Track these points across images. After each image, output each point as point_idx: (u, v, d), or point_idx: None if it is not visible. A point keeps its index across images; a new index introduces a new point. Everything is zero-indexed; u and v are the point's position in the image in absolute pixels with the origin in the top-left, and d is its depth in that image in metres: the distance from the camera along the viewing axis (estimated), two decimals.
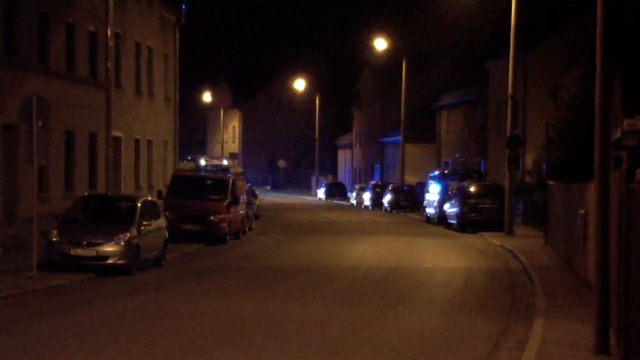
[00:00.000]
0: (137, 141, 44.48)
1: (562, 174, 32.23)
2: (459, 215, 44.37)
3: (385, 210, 66.88)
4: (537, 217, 40.83)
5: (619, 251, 14.31)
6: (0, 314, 18.70)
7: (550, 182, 34.51)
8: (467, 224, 43.82)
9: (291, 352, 15.02)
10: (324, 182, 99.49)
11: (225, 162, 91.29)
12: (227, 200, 37.09)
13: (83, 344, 15.45)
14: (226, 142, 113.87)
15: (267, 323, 17.98)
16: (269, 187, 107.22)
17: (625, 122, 12.48)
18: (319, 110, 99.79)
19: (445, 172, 54.75)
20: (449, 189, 48.08)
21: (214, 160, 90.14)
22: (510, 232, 39.38)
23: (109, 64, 34.58)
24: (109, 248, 25.18)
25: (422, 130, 78.18)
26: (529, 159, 50.03)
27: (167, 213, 32.56)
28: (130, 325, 17.55)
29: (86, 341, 15.77)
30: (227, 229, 36.73)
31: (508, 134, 40.87)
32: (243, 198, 40.34)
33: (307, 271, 27.96)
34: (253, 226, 44.51)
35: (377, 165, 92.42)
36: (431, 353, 15.30)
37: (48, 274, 23.91)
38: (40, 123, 23.90)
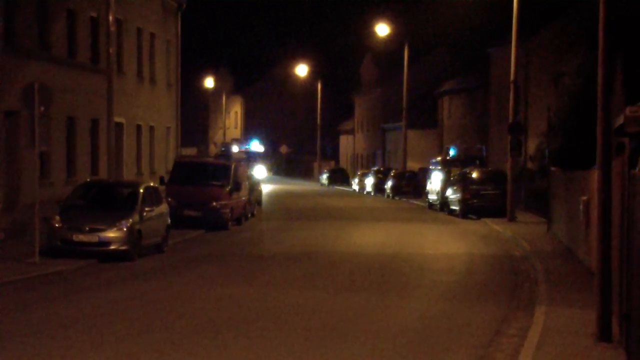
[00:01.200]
0: (138, 127, 44.44)
1: (564, 161, 32.20)
2: (461, 202, 44.36)
3: (387, 196, 66.89)
4: (539, 203, 40.82)
5: (621, 238, 14.28)
6: (2, 299, 18.71)
7: (552, 169, 34.47)
8: (469, 210, 43.82)
9: (291, 338, 15.01)
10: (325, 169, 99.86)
11: (256, 148, 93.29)
12: (229, 187, 37.07)
13: (84, 330, 15.46)
14: (228, 128, 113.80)
15: (267, 309, 17.99)
16: (270, 173, 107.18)
17: (628, 108, 12.43)
18: (320, 96, 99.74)
19: (447, 158, 54.70)
20: (451, 175, 48.05)
21: (242, 147, 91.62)
22: (512, 219, 39.37)
23: (110, 50, 34.49)
24: (111, 234, 25.19)
25: (424, 116, 78.17)
26: (531, 145, 50.04)
27: (168, 199, 32.54)
28: (132, 312, 17.56)
29: (87, 327, 15.77)
30: (229, 215, 36.72)
31: (510, 120, 40.84)
32: (245, 184, 40.32)
33: (308, 257, 27.95)
34: (255, 212, 44.49)
35: (379, 151, 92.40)
36: (432, 340, 15.29)
37: (50, 260, 23.93)
38: (42, 109, 23.88)
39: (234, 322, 16.48)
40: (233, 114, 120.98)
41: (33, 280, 21.41)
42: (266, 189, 72.93)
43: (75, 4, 36.54)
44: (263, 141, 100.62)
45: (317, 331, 15.68)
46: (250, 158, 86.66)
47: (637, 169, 12.44)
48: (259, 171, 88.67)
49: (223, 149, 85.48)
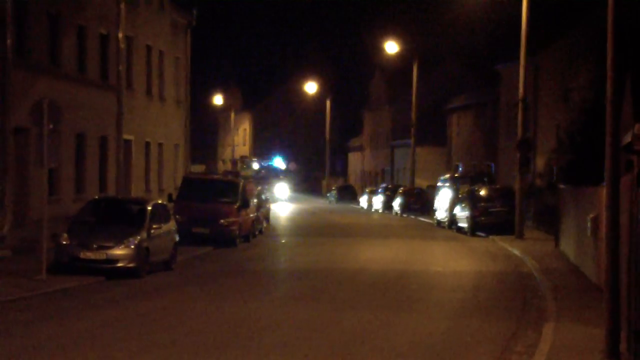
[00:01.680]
0: (147, 144, 44.52)
1: (573, 177, 32.14)
2: (469, 219, 44.27)
3: (396, 213, 66.83)
4: (547, 220, 40.72)
5: (629, 255, 14.22)
6: (9, 316, 18.69)
7: (561, 186, 34.41)
8: (477, 227, 43.73)
9: (299, 355, 14.96)
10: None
11: (278, 164, 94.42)
12: (237, 204, 37.04)
13: (91, 348, 15.42)
14: (237, 145, 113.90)
15: (275, 326, 17.95)
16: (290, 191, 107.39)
17: (637, 125, 12.39)
18: (329, 113, 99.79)
19: (456, 175, 54.63)
20: (459, 192, 47.98)
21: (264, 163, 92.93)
22: (521, 236, 39.27)
23: (120, 67, 34.58)
24: (118, 251, 25.15)
25: (432, 133, 78.16)
26: (539, 162, 49.99)
27: (177, 216, 32.50)
28: (138, 329, 17.51)
29: (94, 344, 15.73)
30: (237, 231, 36.69)
31: (519, 137, 40.76)
32: (253, 201, 40.31)
33: (315, 274, 27.91)
34: (263, 229, 44.46)
35: (388, 168, 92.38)
36: (440, 357, 15.23)
37: (58, 277, 23.89)
38: (51, 126, 23.89)
39: (241, 340, 16.43)
40: (242, 131, 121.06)
41: (40, 298, 21.36)
42: (286, 208, 74.78)
43: (86, 21, 36.67)
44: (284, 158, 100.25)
45: (325, 348, 15.63)
46: (273, 175, 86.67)
47: None
48: (281, 189, 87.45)
49: (245, 165, 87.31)
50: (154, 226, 26.73)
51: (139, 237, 25.59)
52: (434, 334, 17.43)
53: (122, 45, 34.69)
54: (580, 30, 48.27)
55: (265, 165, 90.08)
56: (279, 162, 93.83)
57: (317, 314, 19.74)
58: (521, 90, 40.60)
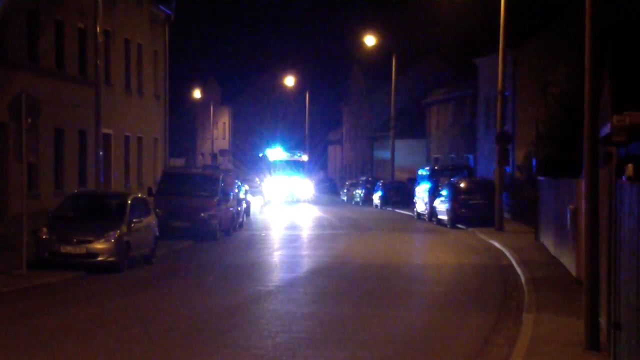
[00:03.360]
0: (127, 138, 44.42)
1: (552, 170, 32.25)
2: (449, 211, 44.37)
3: (376, 206, 66.91)
4: (526, 212, 40.86)
5: (608, 247, 14.30)
6: None
7: (540, 178, 34.52)
8: (457, 219, 43.83)
9: (282, 346, 14.99)
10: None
11: (300, 155, 76.99)
12: (217, 197, 37.02)
13: (71, 343, 15.42)
14: (216, 139, 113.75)
15: (252, 318, 17.98)
16: (258, 181, 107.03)
17: (615, 117, 12.45)
18: (308, 107, 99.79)
19: (435, 168, 54.73)
20: (439, 185, 48.08)
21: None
22: (501, 228, 39.38)
23: (98, 62, 34.48)
24: (99, 245, 25.11)
25: (412, 126, 78.26)
26: (518, 155, 50.10)
27: (157, 210, 32.44)
28: (119, 324, 17.51)
29: (75, 340, 15.73)
30: (217, 225, 36.65)
31: (497, 130, 40.88)
32: (233, 195, 40.27)
33: (293, 267, 27.96)
34: (243, 222, 44.41)
35: (367, 161, 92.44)
36: (422, 349, 15.29)
37: (38, 272, 23.84)
38: (29, 120, 23.83)
39: (221, 330, 16.45)
40: (221, 124, 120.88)
41: (20, 293, 21.32)
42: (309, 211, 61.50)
43: (64, 15, 36.53)
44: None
45: (304, 338, 15.66)
46: (294, 169, 73.73)
47: (624, 177, 12.46)
48: (306, 187, 73.70)
49: (260, 154, 78.81)
50: (134, 220, 26.70)
51: (119, 231, 25.55)
52: (415, 326, 17.49)
53: (100, 40, 34.61)
54: (558, 25, 48.44)
55: (292, 154, 75.69)
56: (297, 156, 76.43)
57: (292, 307, 19.74)
58: (500, 83, 40.71)
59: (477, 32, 62.56)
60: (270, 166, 73.31)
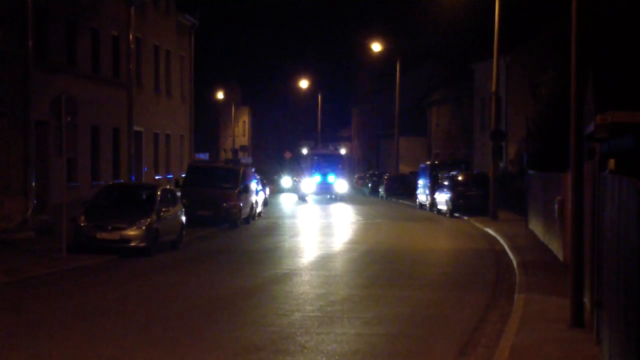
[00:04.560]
0: (156, 135, 44.52)
1: (541, 164, 32.25)
2: (448, 202, 44.37)
3: (382, 197, 66.87)
4: (519, 203, 40.83)
5: (592, 233, 14.32)
6: (32, 291, 18.76)
7: (530, 171, 34.50)
8: (455, 209, 43.83)
9: (296, 323, 15.02)
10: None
11: (335, 149, 65.80)
12: (238, 189, 37.08)
13: (106, 319, 15.50)
14: (237, 136, 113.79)
15: (273, 298, 18.02)
16: (276, 177, 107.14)
17: (598, 116, 12.46)
18: (320, 106, 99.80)
19: (436, 162, 54.69)
20: (439, 178, 48.07)
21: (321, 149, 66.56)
22: (495, 217, 39.35)
23: (130, 66, 34.61)
24: (131, 232, 25.19)
25: (414, 124, 78.22)
26: (511, 150, 50.08)
27: (183, 200, 32.53)
28: (150, 302, 17.60)
29: (109, 316, 15.82)
30: (238, 214, 36.73)
31: (492, 128, 40.85)
32: (252, 187, 40.31)
33: (307, 252, 27.98)
34: (262, 212, 44.45)
35: (374, 156, 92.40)
36: (424, 325, 15.31)
37: (76, 256, 23.95)
38: (68, 119, 23.92)
39: (241, 309, 16.51)
40: (241, 123, 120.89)
41: (61, 274, 21.43)
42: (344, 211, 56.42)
43: (99, 23, 36.62)
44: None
45: (315, 318, 15.68)
46: (330, 164, 60.94)
47: (607, 171, 12.47)
48: (341, 183, 61.22)
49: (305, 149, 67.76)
50: (163, 209, 26.77)
51: (149, 219, 25.63)
52: (416, 305, 17.50)
53: (132, 46, 34.71)
54: (547, 31, 48.31)
55: (331, 146, 65.74)
56: (334, 150, 65.34)
57: (306, 288, 19.77)
58: (494, 85, 40.67)
59: (473, 39, 62.48)
60: (303, 161, 62.83)
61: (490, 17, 41.63)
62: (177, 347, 13.21)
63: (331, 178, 59.88)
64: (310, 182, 59.81)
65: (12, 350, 12.85)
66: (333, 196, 60.34)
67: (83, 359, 12.47)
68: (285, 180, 67.57)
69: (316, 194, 60.27)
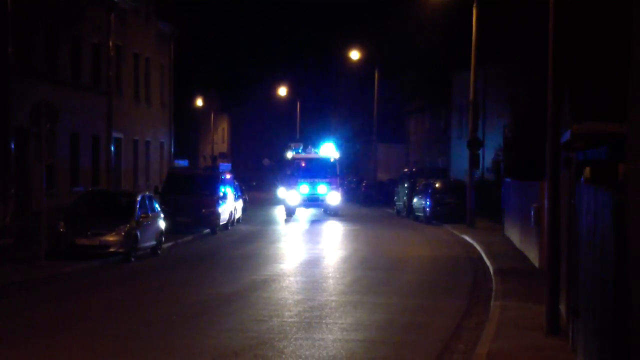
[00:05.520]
0: (135, 142, 44.41)
1: (517, 172, 32.39)
2: (425, 209, 44.47)
3: (359, 204, 66.90)
4: (496, 211, 40.96)
5: (568, 241, 14.39)
6: (11, 299, 18.66)
7: (507, 180, 34.63)
8: (433, 217, 43.92)
9: (275, 329, 15.01)
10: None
11: (318, 152, 49.86)
12: (217, 195, 37.05)
13: (84, 325, 15.45)
14: (216, 143, 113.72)
15: (252, 304, 18.00)
16: (254, 184, 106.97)
17: (574, 126, 12.55)
18: (299, 114, 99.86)
19: (413, 170, 54.79)
20: (416, 185, 48.15)
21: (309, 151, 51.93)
22: (471, 225, 39.47)
23: (110, 73, 34.52)
24: (110, 238, 25.15)
25: (392, 132, 78.39)
26: (488, 158, 50.25)
27: (163, 206, 32.45)
28: (128, 309, 17.55)
29: (88, 322, 15.77)
30: (217, 220, 36.70)
31: (469, 136, 40.99)
32: (231, 193, 40.27)
33: (282, 259, 27.94)
34: (240, 218, 44.40)
35: (353, 163, 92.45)
36: (401, 332, 15.33)
37: (56, 262, 23.82)
38: (48, 126, 23.84)
39: (219, 315, 16.49)
40: (220, 130, 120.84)
41: (40, 281, 21.32)
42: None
43: (79, 30, 36.53)
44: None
45: (294, 324, 15.67)
46: (319, 170, 48.74)
47: (582, 179, 12.54)
48: (332, 193, 48.03)
49: (297, 150, 50.38)
50: (142, 215, 26.74)
51: (128, 225, 25.60)
52: (395, 312, 17.52)
53: (112, 54, 34.63)
54: (525, 41, 48.53)
55: (304, 152, 50.73)
56: (327, 150, 50.34)
57: (284, 294, 19.76)
58: (472, 94, 40.84)
59: (451, 48, 62.66)
60: (289, 167, 49.87)
61: (468, 27, 41.81)
62: (154, 354, 13.18)
63: (322, 188, 47.70)
64: (295, 194, 47.43)
65: None
66: (328, 211, 48.97)
67: None
68: (282, 192, 50.02)
69: (303, 206, 48.52)
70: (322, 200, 48.04)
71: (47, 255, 23.74)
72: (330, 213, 48.50)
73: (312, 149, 51.21)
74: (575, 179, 13.59)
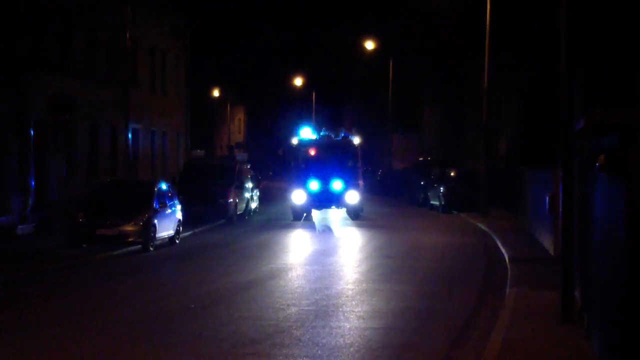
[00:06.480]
0: (153, 132, 44.55)
1: (532, 160, 32.32)
2: (440, 198, 44.44)
3: (375, 193, 66.85)
4: (510, 199, 40.90)
5: (581, 228, 14.38)
6: (30, 289, 18.79)
7: (521, 168, 34.57)
8: (447, 205, 43.89)
9: (292, 317, 15.07)
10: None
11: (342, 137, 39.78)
12: (233, 185, 37.12)
13: (103, 313, 15.55)
14: (233, 133, 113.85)
15: (269, 292, 18.05)
16: (271, 173, 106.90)
17: (588, 114, 12.54)
18: (315, 104, 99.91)
19: (428, 159, 54.68)
20: (431, 174, 48.14)
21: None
22: (486, 213, 39.41)
23: (126, 65, 34.60)
24: (129, 228, 25.27)
25: (407, 121, 78.30)
26: (502, 147, 50.13)
27: (180, 196, 32.56)
28: (147, 297, 17.67)
29: (106, 310, 15.87)
30: (234, 210, 36.79)
31: (483, 126, 40.93)
32: (247, 183, 40.25)
33: (302, 247, 28.00)
34: (257, 208, 44.41)
35: (368, 153, 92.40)
36: (416, 319, 15.37)
37: (74, 252, 23.98)
38: (66, 117, 23.98)
39: (238, 303, 16.56)
40: (237, 120, 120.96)
41: (59, 270, 21.47)
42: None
43: (95, 23, 36.64)
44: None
45: (311, 312, 15.72)
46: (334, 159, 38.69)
47: (596, 167, 12.54)
48: (350, 190, 38.07)
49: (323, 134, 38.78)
50: (160, 205, 26.85)
51: (146, 215, 25.72)
52: (411, 299, 17.54)
53: (128, 45, 34.72)
54: (538, 29, 48.38)
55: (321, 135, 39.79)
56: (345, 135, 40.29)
57: (301, 283, 19.82)
58: (485, 82, 40.76)
59: (465, 37, 62.54)
60: (294, 156, 40.32)
61: (482, 15, 41.72)
62: (173, 341, 13.26)
63: (337, 184, 37.68)
64: (301, 193, 37.80)
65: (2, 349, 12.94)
66: (350, 213, 38.56)
67: (75, 356, 12.52)
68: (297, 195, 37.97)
69: (313, 207, 38.58)
70: (338, 200, 37.95)
71: (66, 245, 23.91)
72: (351, 215, 38.37)
73: (326, 132, 40.75)
74: (588, 167, 13.59)
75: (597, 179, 12.04)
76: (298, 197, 37.78)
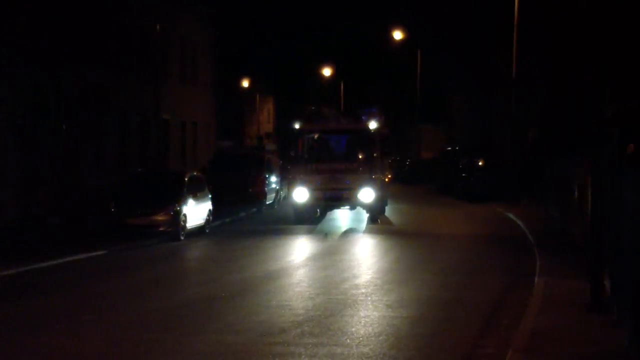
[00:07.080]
0: (183, 123, 44.66)
1: (560, 149, 32.11)
2: (469, 187, 44.27)
3: (404, 181, 66.75)
4: (538, 188, 40.67)
5: (610, 217, 14.26)
6: (64, 275, 18.88)
7: (550, 157, 34.35)
8: (476, 194, 43.73)
9: (321, 306, 15.03)
10: None
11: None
12: (263, 174, 37.15)
13: (137, 300, 15.60)
14: (262, 124, 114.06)
15: (298, 281, 18.04)
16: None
17: (616, 104, 12.44)
18: (343, 96, 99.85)
19: (457, 148, 54.51)
20: (459, 163, 47.98)
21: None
22: (515, 202, 39.25)
23: (157, 56, 34.69)
24: (160, 217, 25.33)
25: (435, 111, 78.13)
26: (530, 137, 49.83)
27: (210, 186, 32.60)
28: (180, 285, 17.72)
29: (139, 298, 15.92)
30: (263, 198, 36.85)
31: (512, 115, 40.73)
32: (276, 172, 40.31)
33: (331, 236, 27.93)
34: (285, 197, 44.42)
35: (397, 143, 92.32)
36: (444, 309, 15.31)
37: (106, 241, 24.08)
38: (97, 108, 24.07)
39: (268, 291, 16.56)
40: (266, 111, 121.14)
41: (91, 259, 21.57)
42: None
43: (127, 15, 36.73)
44: None
45: (340, 301, 15.69)
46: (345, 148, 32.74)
47: (625, 156, 12.43)
48: (366, 194, 31.43)
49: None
50: (190, 195, 26.88)
51: (177, 205, 25.76)
52: (439, 289, 17.48)
53: (159, 37, 34.81)
54: (568, 18, 48.01)
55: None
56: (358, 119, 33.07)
57: (330, 272, 19.74)
58: (514, 73, 40.54)
59: (493, 28, 62.20)
60: (295, 145, 33.22)
61: (511, 4, 41.46)
62: (202, 329, 13.28)
63: (349, 180, 31.60)
64: (303, 190, 31.70)
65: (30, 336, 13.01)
66: (367, 213, 32.67)
67: (111, 339, 12.57)
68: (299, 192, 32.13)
69: (319, 207, 33.27)
70: (350, 198, 31.63)
71: (98, 234, 24.03)
72: (370, 217, 32.41)
73: (336, 113, 35.83)
74: (617, 155, 13.46)
75: (626, 167, 11.92)
76: (300, 194, 31.80)
